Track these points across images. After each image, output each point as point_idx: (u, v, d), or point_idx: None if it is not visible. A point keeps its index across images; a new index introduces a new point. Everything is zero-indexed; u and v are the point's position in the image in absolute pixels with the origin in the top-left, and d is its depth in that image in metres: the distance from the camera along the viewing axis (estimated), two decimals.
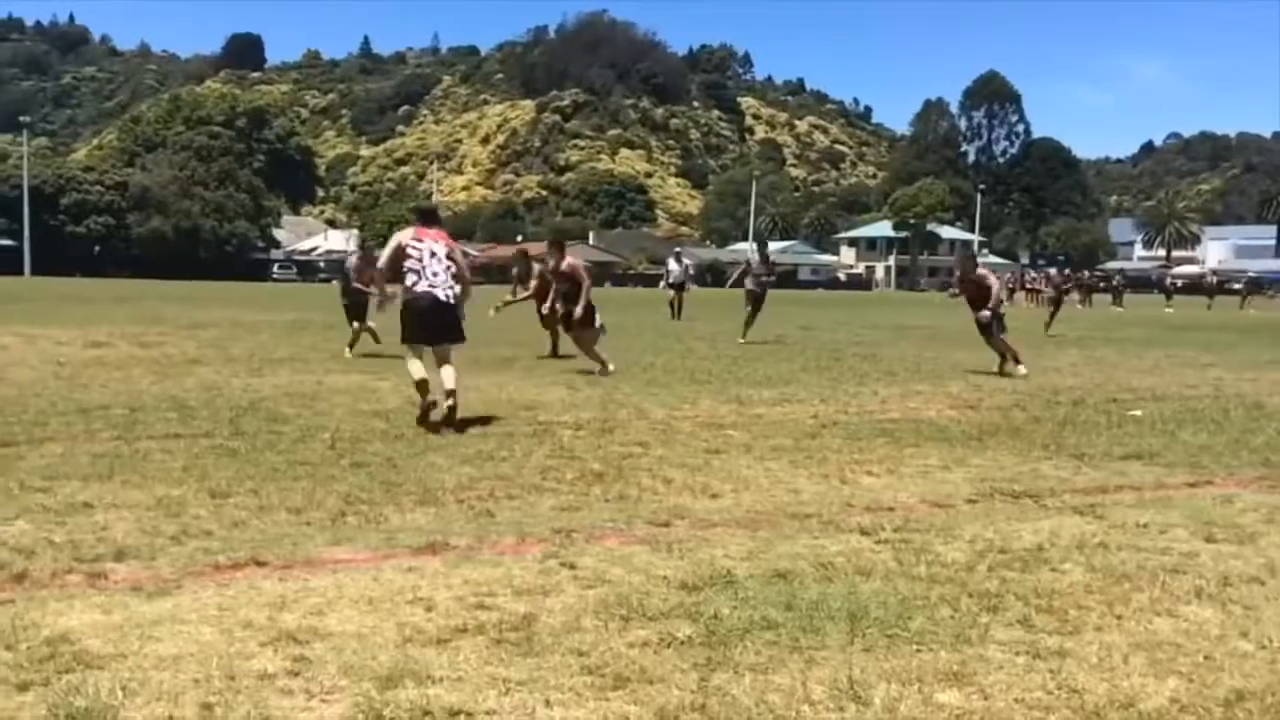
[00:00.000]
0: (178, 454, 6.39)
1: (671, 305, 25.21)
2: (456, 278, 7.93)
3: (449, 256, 7.93)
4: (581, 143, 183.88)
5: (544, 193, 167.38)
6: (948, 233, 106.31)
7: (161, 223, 76.40)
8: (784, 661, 3.24)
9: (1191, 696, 3.04)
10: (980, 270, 13.34)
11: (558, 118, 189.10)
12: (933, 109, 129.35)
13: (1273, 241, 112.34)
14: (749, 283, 17.87)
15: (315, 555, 4.33)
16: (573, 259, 12.43)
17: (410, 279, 7.87)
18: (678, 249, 31.09)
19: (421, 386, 7.77)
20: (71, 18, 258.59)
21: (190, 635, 3.37)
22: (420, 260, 7.82)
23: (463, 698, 2.93)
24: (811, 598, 3.84)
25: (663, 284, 27.48)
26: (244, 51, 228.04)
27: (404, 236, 8.05)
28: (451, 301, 7.87)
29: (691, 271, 30.39)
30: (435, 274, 7.81)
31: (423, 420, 7.62)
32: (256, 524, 4.82)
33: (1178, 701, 3.01)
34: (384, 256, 8.18)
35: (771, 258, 19.60)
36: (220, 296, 35.79)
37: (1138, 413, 9.34)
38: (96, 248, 74.27)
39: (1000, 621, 3.65)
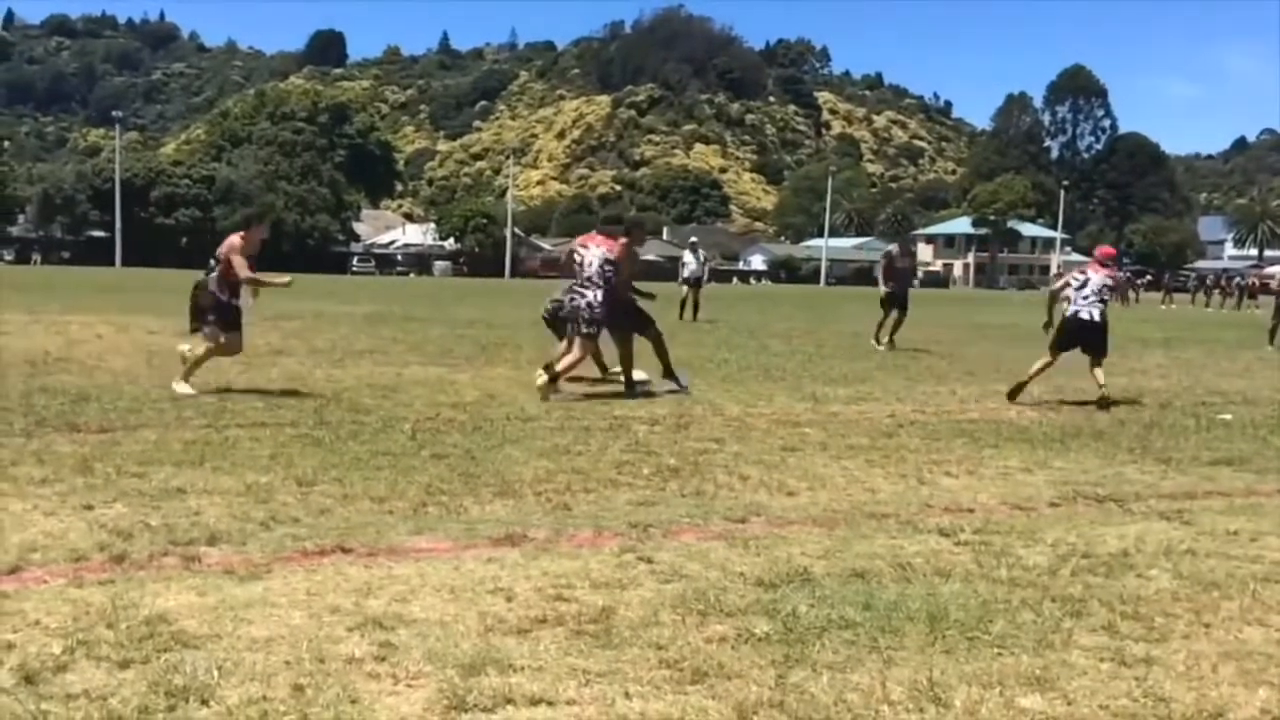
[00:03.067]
0: (265, 442, 6.57)
1: (683, 304, 21.24)
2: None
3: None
4: (656, 138, 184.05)
5: (618, 188, 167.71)
6: (1028, 229, 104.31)
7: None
8: (862, 661, 3.24)
9: None
10: None
11: (633, 113, 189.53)
12: (1015, 103, 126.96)
13: None
14: (889, 283, 15.77)
15: (398, 544, 4.43)
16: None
17: None
18: (693, 239, 25.56)
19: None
20: (162, 15, 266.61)
21: (281, 619, 3.47)
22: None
23: (543, 687, 2.97)
24: (889, 598, 3.82)
25: (680, 279, 22.90)
26: (326, 48, 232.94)
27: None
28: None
29: (710, 265, 25.90)
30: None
31: None
32: (341, 512, 4.94)
33: (1269, 713, 2.94)
34: None
35: (914, 250, 16.14)
36: (302, 289, 36.52)
37: (1228, 416, 9.09)
38: (184, 240, 76.35)
39: (1084, 627, 3.59)
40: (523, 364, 11.38)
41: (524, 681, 3.01)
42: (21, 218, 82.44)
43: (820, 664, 3.20)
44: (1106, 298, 9.77)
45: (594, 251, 9.26)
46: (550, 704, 2.89)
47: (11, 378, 9.30)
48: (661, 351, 9.85)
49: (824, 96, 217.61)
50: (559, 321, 10.19)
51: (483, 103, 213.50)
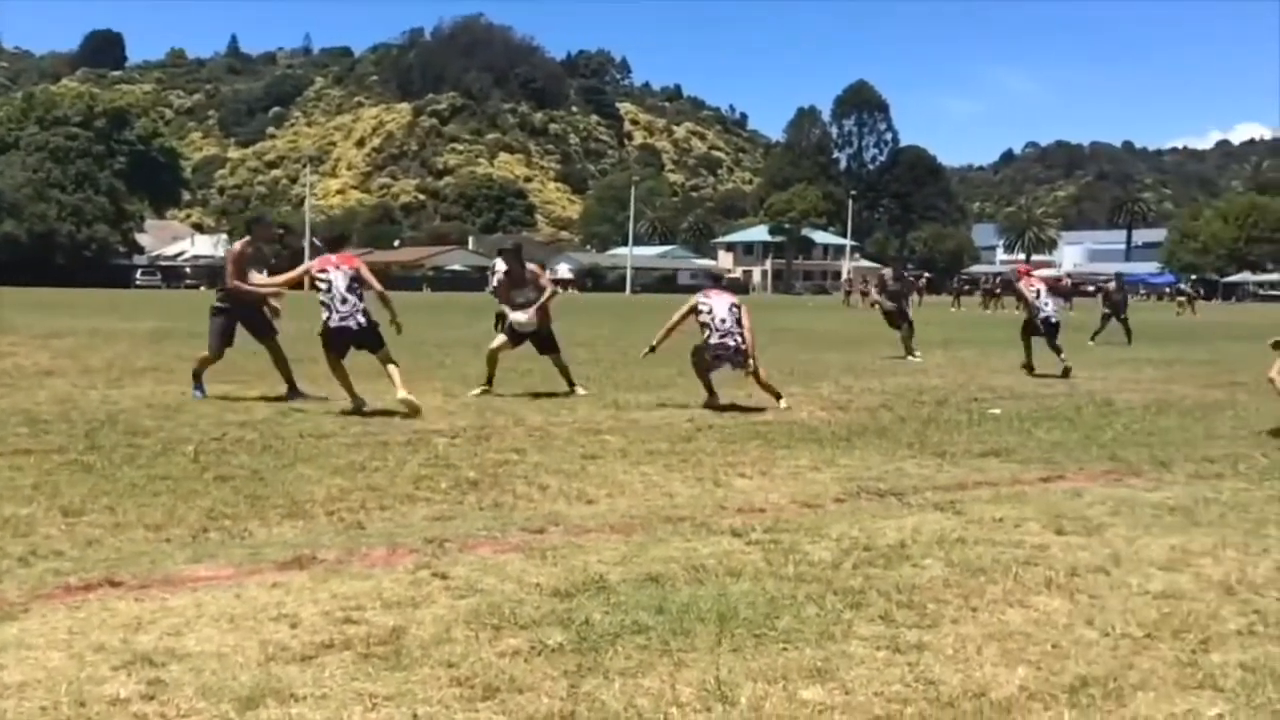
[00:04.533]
0: (27, 471, 6.09)
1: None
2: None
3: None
4: (460, 146, 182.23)
5: (422, 197, 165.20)
6: (821, 237, 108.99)
7: (14, 227, 72.65)
8: (653, 665, 3.28)
9: (1039, 684, 3.19)
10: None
11: (435, 121, 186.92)
12: (805, 117, 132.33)
13: (1123, 246, 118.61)
14: (884, 299, 17.24)
15: (174, 573, 4.19)
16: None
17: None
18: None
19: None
20: None
21: (37, 661, 3.22)
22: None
23: (327, 715, 2.87)
24: (682, 600, 3.89)
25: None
26: (103, 49, 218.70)
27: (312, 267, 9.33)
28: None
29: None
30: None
31: None
32: (112, 542, 4.63)
33: (1026, 689, 3.15)
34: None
35: (905, 275, 18.25)
36: (78, 304, 34.22)
37: (996, 411, 9.73)
38: None
39: (863, 618, 3.76)
40: (319, 379, 10.99)
41: (306, 711, 2.89)
42: None
43: (612, 671, 3.21)
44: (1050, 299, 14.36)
45: (722, 300, 10.28)
46: None
47: None
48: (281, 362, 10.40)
49: (625, 107, 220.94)
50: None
51: (276, 109, 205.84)
